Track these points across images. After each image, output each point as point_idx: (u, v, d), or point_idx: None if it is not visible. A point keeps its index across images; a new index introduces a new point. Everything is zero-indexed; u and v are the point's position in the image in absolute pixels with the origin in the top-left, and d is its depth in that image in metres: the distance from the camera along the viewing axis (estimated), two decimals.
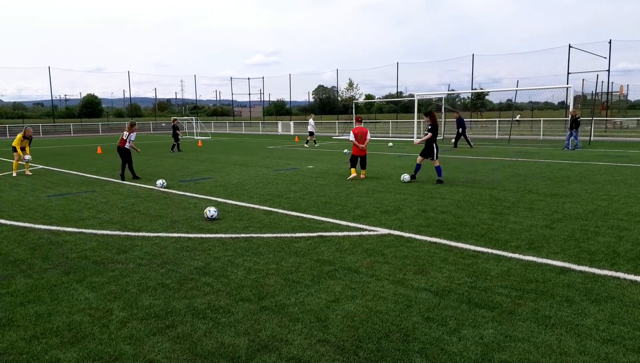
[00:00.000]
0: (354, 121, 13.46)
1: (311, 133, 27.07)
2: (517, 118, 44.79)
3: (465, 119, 42.47)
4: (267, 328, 3.91)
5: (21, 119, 65.26)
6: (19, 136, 14.79)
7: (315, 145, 26.85)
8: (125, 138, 13.27)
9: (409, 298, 4.47)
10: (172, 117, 29.44)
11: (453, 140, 24.77)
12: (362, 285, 4.84)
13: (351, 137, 12.64)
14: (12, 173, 14.72)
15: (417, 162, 12.00)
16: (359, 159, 12.70)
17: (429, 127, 11.61)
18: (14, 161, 14.88)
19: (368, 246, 6.17)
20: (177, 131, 24.41)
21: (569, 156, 18.51)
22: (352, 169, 12.69)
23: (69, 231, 7.29)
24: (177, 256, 5.90)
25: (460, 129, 24.09)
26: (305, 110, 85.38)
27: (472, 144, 24.13)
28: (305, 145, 26.65)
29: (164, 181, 11.69)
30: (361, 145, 12.52)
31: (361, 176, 12.61)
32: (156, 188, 11.40)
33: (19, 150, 14.54)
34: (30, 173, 14.79)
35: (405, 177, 11.80)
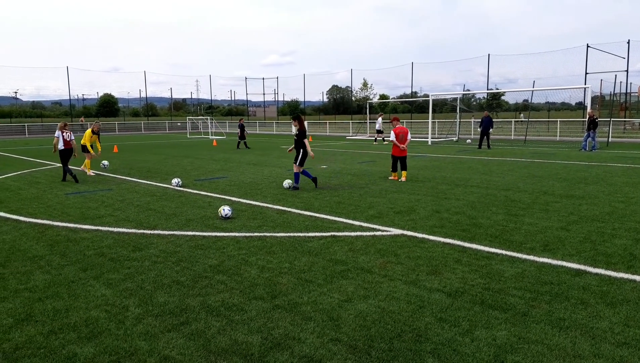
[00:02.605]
0: (393, 120, 12.88)
1: (379, 131, 29.27)
2: (522, 118, 44.62)
3: (477, 120, 42.26)
4: (280, 327, 3.94)
5: (40, 118, 66.32)
6: (88, 132, 14.42)
7: (384, 143, 28.15)
8: (68, 139, 13.04)
9: (421, 299, 4.47)
10: (239, 118, 33.06)
11: (485, 143, 23.78)
12: (375, 285, 4.85)
13: (392, 137, 12.22)
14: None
15: (299, 172, 11.03)
16: (399, 160, 12.25)
17: (297, 133, 10.93)
18: (86, 160, 14.56)
19: (381, 247, 6.17)
20: (244, 131, 26.36)
21: (586, 157, 18.28)
22: (394, 174, 12.30)
23: (86, 228, 7.40)
24: (191, 254, 5.96)
25: (480, 129, 23.78)
26: (319, 110, 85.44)
27: (482, 146, 23.72)
28: (381, 142, 28.46)
29: (179, 179, 11.80)
30: (402, 145, 12.10)
31: (402, 178, 12.08)
32: (172, 186, 11.52)
33: (89, 147, 14.23)
34: (93, 173, 14.27)
35: (286, 183, 11.07)
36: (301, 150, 10.93)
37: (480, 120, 24.70)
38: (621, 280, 4.89)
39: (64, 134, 13.04)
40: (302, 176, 11.17)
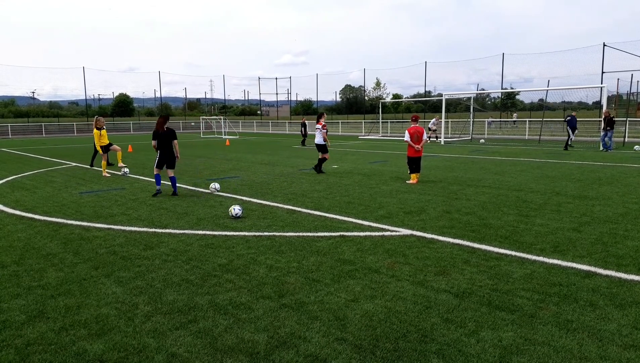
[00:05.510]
0: (410, 120, 12.44)
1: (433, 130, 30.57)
2: (515, 118, 44.61)
3: (494, 119, 42.07)
4: (287, 326, 3.97)
5: (57, 118, 67.29)
6: (95, 132, 14.45)
7: (436, 140, 29.64)
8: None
9: (428, 299, 4.47)
10: (302, 117, 34.61)
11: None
12: (382, 285, 4.86)
13: (406, 137, 11.83)
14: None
15: (155, 173, 10.51)
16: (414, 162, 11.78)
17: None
18: (102, 161, 14.47)
19: (389, 247, 6.17)
20: (306, 129, 28.05)
21: (601, 157, 18.05)
22: (413, 175, 11.72)
23: (99, 227, 7.52)
24: (201, 253, 6.03)
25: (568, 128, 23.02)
26: (332, 110, 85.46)
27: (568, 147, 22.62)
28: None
29: (217, 185, 10.81)
30: (417, 146, 11.68)
31: (414, 180, 11.63)
32: (208, 191, 11.59)
33: (98, 148, 14.43)
34: (126, 168, 14.41)
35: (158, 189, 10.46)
36: (158, 152, 10.40)
37: (565, 119, 23.66)
38: (631, 282, 4.84)
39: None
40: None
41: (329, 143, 14.09)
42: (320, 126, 13.83)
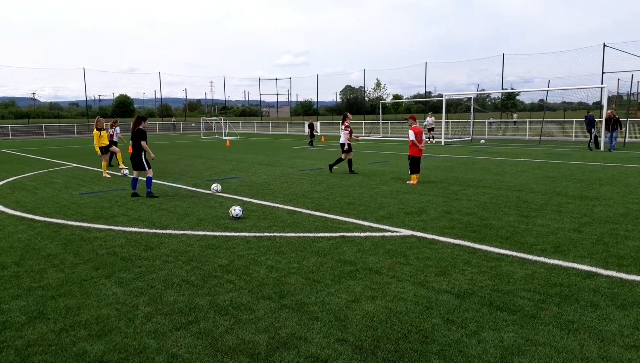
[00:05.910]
0: (409, 119, 12.33)
1: (431, 129, 30.60)
2: (515, 118, 44.74)
3: (494, 120, 42.10)
4: (287, 326, 3.96)
5: (57, 119, 67.35)
6: (95, 133, 14.50)
7: (433, 141, 29.69)
8: (112, 133, 15.98)
9: (429, 300, 4.47)
10: (310, 119, 35.42)
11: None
12: (383, 285, 4.86)
13: (411, 136, 11.74)
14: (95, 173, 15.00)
15: (134, 176, 10.54)
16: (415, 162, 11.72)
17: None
18: (103, 162, 14.46)
19: (390, 247, 6.17)
20: (313, 130, 28.63)
21: (601, 158, 18.03)
22: (413, 176, 11.67)
23: (100, 228, 7.51)
24: (202, 254, 6.02)
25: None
26: (332, 110, 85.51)
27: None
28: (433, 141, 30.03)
29: (219, 185, 10.87)
30: (421, 145, 11.71)
31: (414, 181, 11.61)
32: (209, 191, 11.58)
33: (97, 149, 14.48)
34: (126, 170, 14.51)
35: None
36: (140, 154, 10.41)
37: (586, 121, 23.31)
38: (632, 282, 4.83)
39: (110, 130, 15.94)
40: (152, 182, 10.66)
41: (353, 140, 14.70)
42: (343, 127, 14.40)
